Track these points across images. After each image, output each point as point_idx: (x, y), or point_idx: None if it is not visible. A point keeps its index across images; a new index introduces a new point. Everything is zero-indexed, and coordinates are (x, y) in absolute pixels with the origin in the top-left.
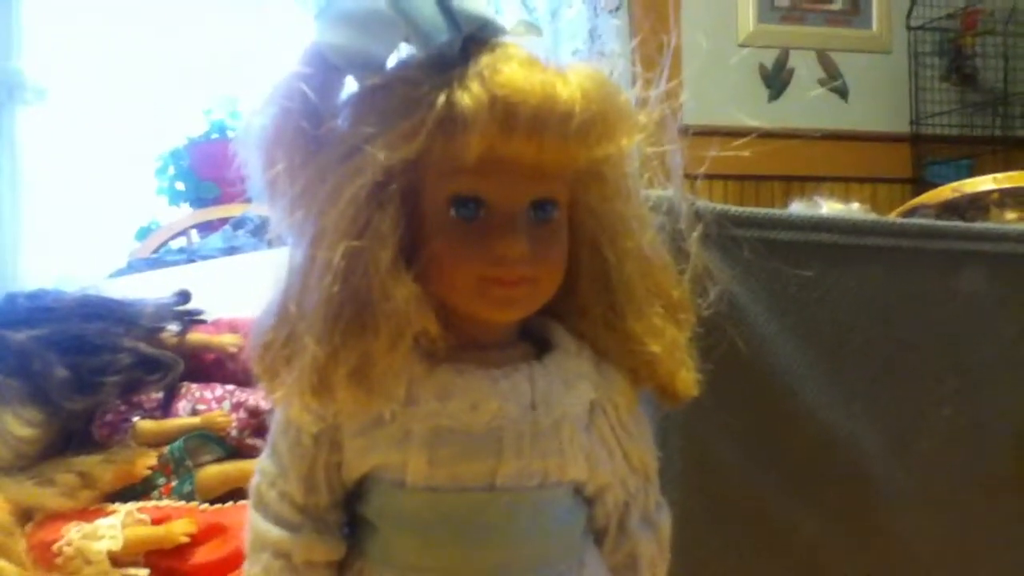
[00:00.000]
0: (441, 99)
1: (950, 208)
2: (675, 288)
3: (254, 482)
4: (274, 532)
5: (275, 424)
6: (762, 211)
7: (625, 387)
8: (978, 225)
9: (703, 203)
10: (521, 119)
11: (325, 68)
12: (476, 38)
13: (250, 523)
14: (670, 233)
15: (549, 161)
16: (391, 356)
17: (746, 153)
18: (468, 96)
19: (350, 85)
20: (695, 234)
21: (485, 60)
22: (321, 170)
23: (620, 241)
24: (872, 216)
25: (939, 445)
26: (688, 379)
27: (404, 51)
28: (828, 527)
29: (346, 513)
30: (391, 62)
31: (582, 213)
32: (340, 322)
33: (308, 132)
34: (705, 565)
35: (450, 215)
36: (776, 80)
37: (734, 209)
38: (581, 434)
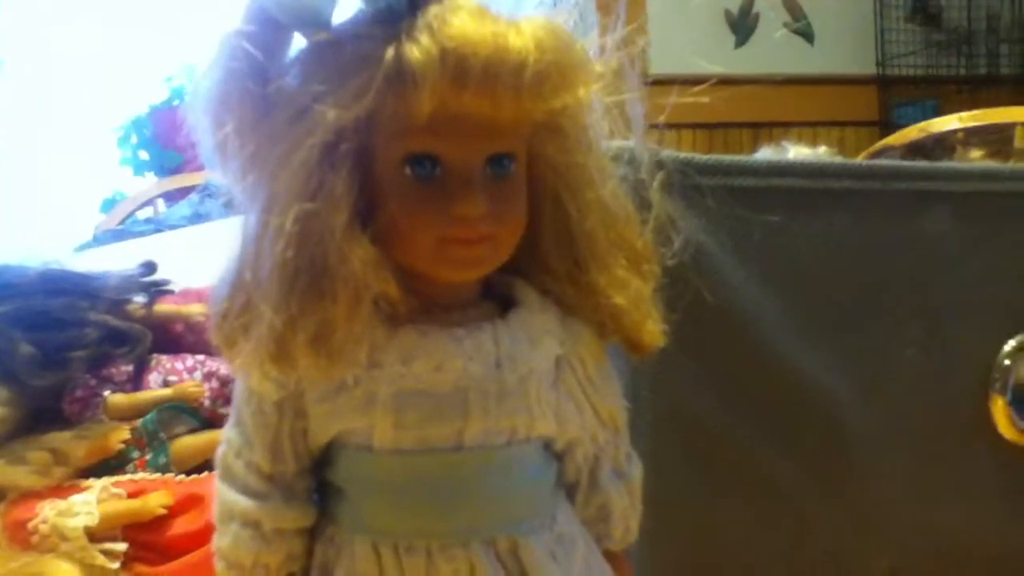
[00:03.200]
0: (390, 54)
1: (916, 149)
2: (638, 239)
3: (220, 452)
4: (242, 502)
5: (238, 393)
6: (725, 158)
7: (591, 341)
8: (943, 164)
9: (665, 152)
10: (472, 72)
11: (270, 25)
12: None
13: (218, 494)
14: (633, 184)
15: (504, 115)
16: (351, 321)
17: (709, 100)
18: (417, 49)
19: (298, 42)
20: (657, 184)
21: (434, 11)
22: (271, 132)
23: (581, 194)
24: (838, 159)
25: (907, 388)
26: (654, 330)
27: (352, 6)
28: (802, 473)
29: (314, 479)
30: (337, 17)
31: (541, 167)
32: (296, 288)
33: (255, 93)
34: (678, 515)
35: (405, 175)
36: (742, 25)
37: (697, 157)
38: (548, 390)
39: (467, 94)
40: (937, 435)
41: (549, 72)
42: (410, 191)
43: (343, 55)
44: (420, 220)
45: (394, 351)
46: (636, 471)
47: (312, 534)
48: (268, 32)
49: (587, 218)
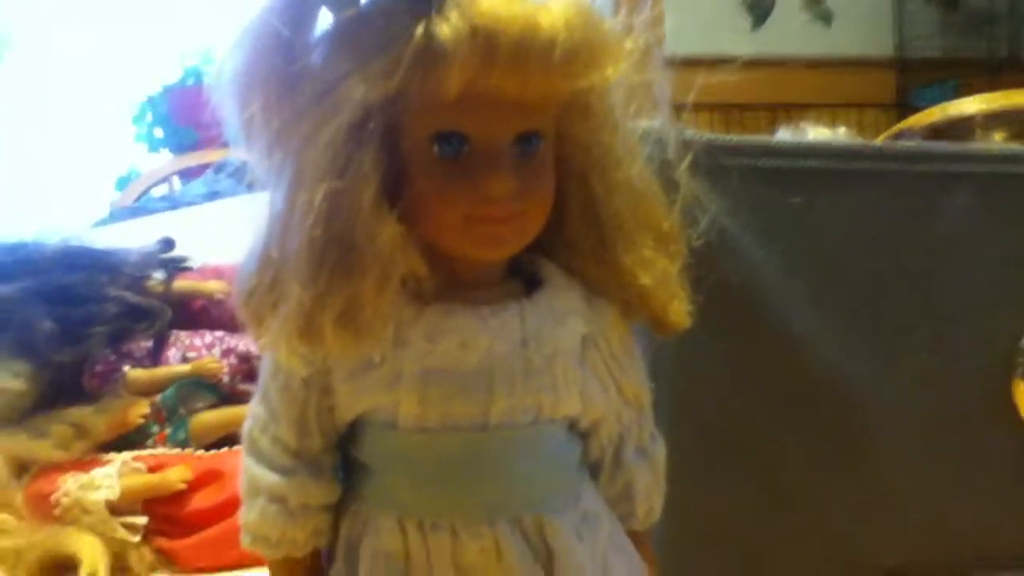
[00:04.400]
0: (419, 31)
1: (936, 131)
2: (665, 219)
3: (246, 427)
4: (269, 477)
5: (264, 369)
6: (749, 139)
7: (617, 320)
8: (965, 146)
9: (691, 133)
10: (502, 50)
11: (297, 2)
12: None
13: (244, 469)
14: (658, 164)
15: (533, 93)
16: (379, 298)
17: (731, 81)
18: (447, 27)
19: (325, 20)
20: (684, 164)
21: None
22: (298, 109)
23: (609, 173)
24: (857, 140)
25: (925, 372)
26: (680, 310)
27: None
28: (815, 457)
29: (340, 456)
30: None
31: (569, 146)
32: (325, 265)
33: (283, 70)
34: (694, 495)
35: (433, 153)
36: (759, 7)
37: (722, 138)
38: (574, 369)
39: (496, 72)
40: (955, 421)
41: (578, 50)
42: (437, 169)
43: (371, 32)
44: (447, 198)
45: (420, 329)
46: (660, 450)
47: (338, 510)
48: (296, 9)
49: (614, 198)
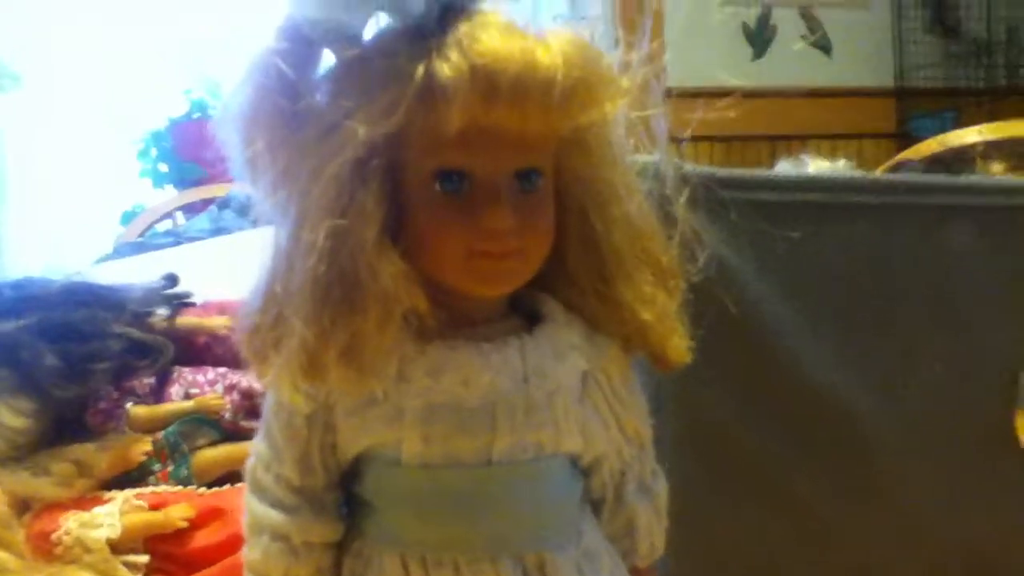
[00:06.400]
0: (420, 70)
1: (936, 162)
2: (664, 254)
3: (249, 465)
4: (272, 515)
5: (267, 407)
6: (748, 172)
7: (617, 356)
8: (965, 179)
9: (689, 167)
10: (502, 88)
11: (301, 42)
12: (453, 6)
13: (247, 506)
14: (657, 198)
15: (532, 130)
16: (381, 335)
17: (731, 114)
18: (447, 66)
19: (328, 59)
20: (682, 199)
21: (463, 28)
22: (301, 148)
23: (608, 208)
24: (858, 173)
25: (929, 399)
26: (680, 346)
27: (381, 22)
28: (824, 485)
29: (343, 493)
30: (368, 34)
31: (568, 181)
32: (328, 303)
33: (286, 109)
34: (701, 528)
35: (434, 189)
36: (759, 38)
37: (720, 171)
38: (575, 405)
39: (497, 110)
40: (961, 447)
41: (577, 88)
42: (439, 205)
43: (373, 71)
44: (449, 234)
45: (423, 365)
46: (661, 487)
47: (340, 547)
48: (300, 49)
49: (613, 233)
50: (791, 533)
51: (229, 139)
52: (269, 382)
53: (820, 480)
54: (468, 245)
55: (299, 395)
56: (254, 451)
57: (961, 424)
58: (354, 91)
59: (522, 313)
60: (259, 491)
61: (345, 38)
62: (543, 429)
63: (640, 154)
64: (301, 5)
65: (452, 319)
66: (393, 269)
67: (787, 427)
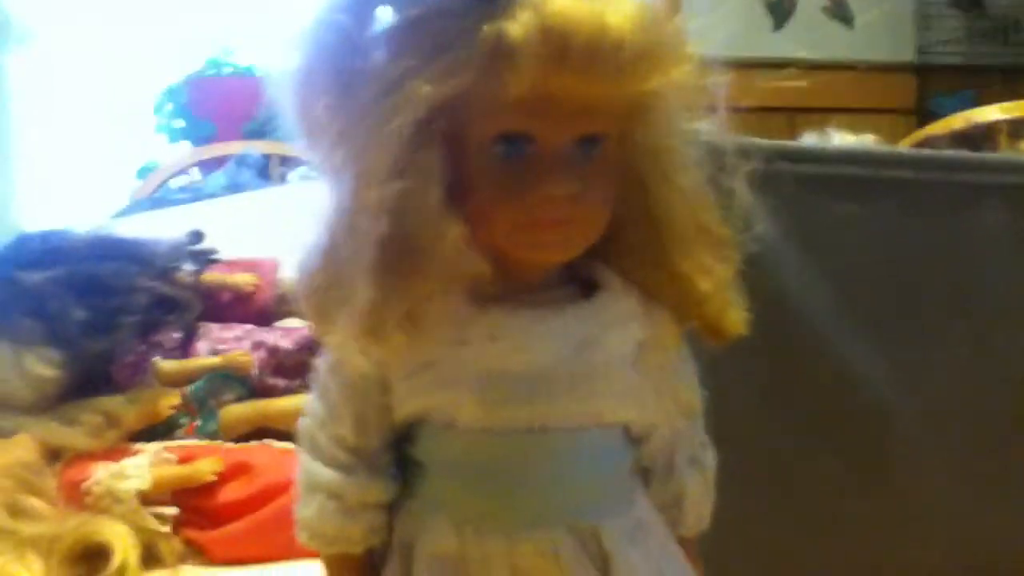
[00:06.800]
0: (488, 30)
1: (961, 139)
2: (721, 225)
3: (303, 424)
4: (327, 474)
5: (324, 365)
6: (795, 144)
7: (672, 327)
8: (998, 156)
9: (747, 139)
10: (573, 50)
11: None
12: None
13: (301, 465)
14: (710, 169)
15: (599, 95)
16: (443, 299)
17: (746, 84)
18: (518, 26)
19: (387, 16)
20: (742, 171)
21: None
22: (361, 108)
23: (669, 178)
24: (892, 148)
25: (951, 388)
26: (736, 318)
27: None
28: (846, 470)
29: (397, 454)
30: None
31: (630, 149)
32: (391, 265)
33: (346, 67)
34: (723, 510)
35: (496, 153)
36: (779, 9)
37: (772, 143)
38: (630, 374)
39: (566, 73)
40: (985, 436)
41: (646, 52)
42: (500, 170)
43: (438, 30)
44: (509, 199)
45: (481, 330)
46: (710, 458)
47: (393, 508)
48: (360, 6)
49: (673, 202)
50: (803, 522)
51: (285, 99)
52: (332, 341)
53: (841, 465)
54: (528, 211)
55: (359, 355)
56: (308, 410)
57: (982, 414)
58: (418, 49)
59: (579, 281)
60: (314, 450)
61: None
62: (599, 397)
63: (695, 123)
64: None
65: (509, 286)
66: (456, 233)
67: (810, 409)
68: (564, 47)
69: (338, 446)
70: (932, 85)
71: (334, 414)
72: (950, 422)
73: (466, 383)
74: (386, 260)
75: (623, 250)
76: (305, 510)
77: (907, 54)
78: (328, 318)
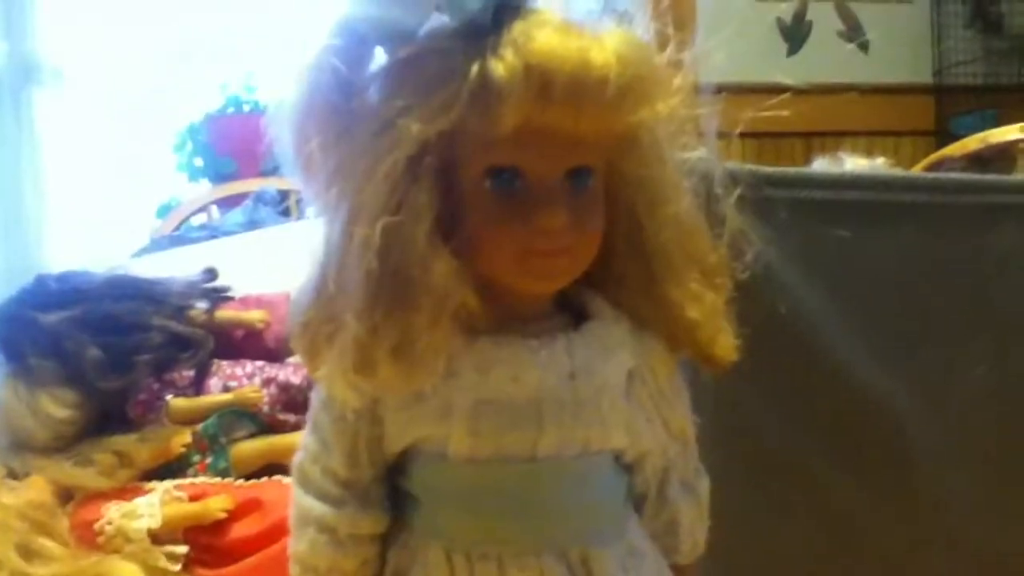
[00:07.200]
0: (475, 69)
1: (977, 160)
2: (711, 253)
3: (297, 459)
4: (318, 508)
5: (316, 400)
6: (794, 170)
7: (663, 354)
8: (1011, 178)
9: (736, 165)
10: (557, 87)
11: (355, 40)
12: (508, 4)
13: (294, 500)
14: (703, 197)
15: (586, 129)
16: (432, 331)
17: (761, 110)
18: (503, 65)
19: (380, 57)
20: (732, 197)
21: (518, 27)
22: (355, 145)
23: (657, 207)
24: (902, 172)
25: (974, 405)
26: (727, 344)
27: (435, 20)
28: (864, 488)
29: (388, 486)
30: (422, 32)
31: (618, 180)
32: (380, 299)
33: (340, 106)
34: (741, 529)
35: (486, 187)
36: (795, 33)
37: (766, 169)
38: (621, 402)
39: (551, 109)
40: (1006, 454)
41: (631, 86)
42: (492, 203)
43: (427, 69)
44: (501, 232)
45: (471, 361)
46: (704, 485)
47: (386, 540)
48: (354, 47)
49: (662, 231)
50: (827, 538)
51: (281, 136)
52: (321, 377)
53: (859, 485)
54: (520, 243)
55: (349, 390)
56: (302, 445)
57: (1006, 432)
58: (408, 89)
59: (569, 310)
60: (306, 484)
61: (400, 36)
62: (590, 426)
63: (686, 152)
64: (358, 3)
65: (501, 316)
66: (444, 266)
67: (827, 431)
68: (548, 84)
69: (329, 480)
70: (951, 106)
71: (326, 448)
72: (971, 439)
73: (457, 414)
74: (376, 294)
75: (613, 278)
76: (298, 544)
77: (924, 75)
78: (319, 354)
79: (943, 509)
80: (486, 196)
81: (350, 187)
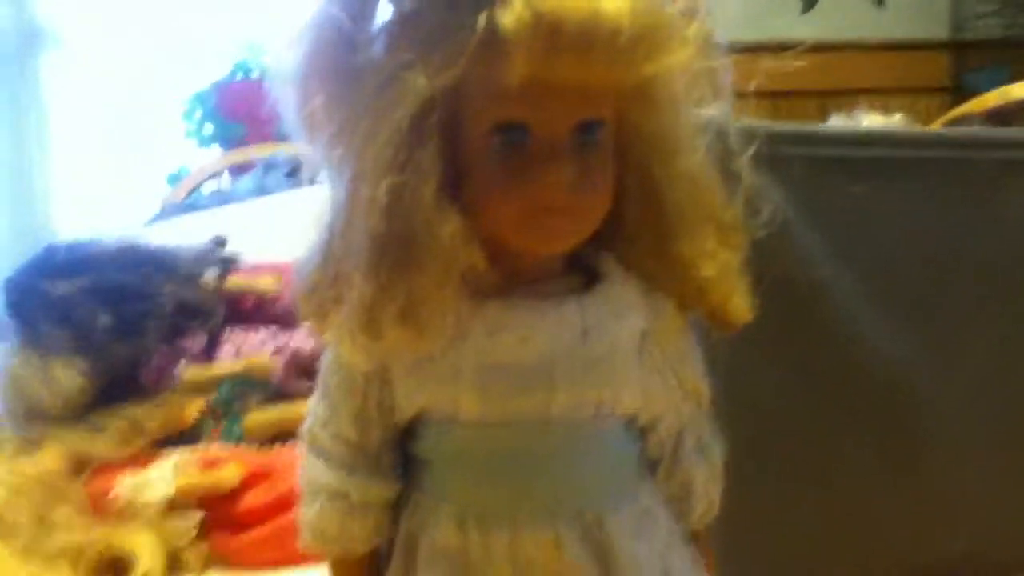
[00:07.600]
0: (481, 21)
1: (996, 116)
2: (726, 210)
3: (306, 424)
4: (329, 474)
5: (325, 365)
6: (809, 127)
7: (675, 315)
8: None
9: (752, 122)
10: (566, 38)
11: None
12: None
13: (304, 466)
14: (717, 154)
15: (595, 81)
16: (439, 293)
17: (774, 67)
18: (510, 15)
19: (384, 11)
20: (747, 154)
21: None
22: (359, 103)
23: (670, 163)
24: (919, 128)
25: (985, 368)
26: (742, 304)
27: None
28: (874, 455)
29: (399, 452)
30: None
31: (629, 135)
32: (387, 260)
33: (344, 63)
34: (748, 497)
35: (493, 144)
36: None
37: (781, 126)
38: (633, 364)
39: (560, 61)
40: (1015, 418)
41: (643, 37)
42: (498, 160)
43: (433, 22)
44: (508, 190)
45: (480, 323)
46: (717, 447)
47: (397, 505)
48: (357, 1)
49: (675, 188)
50: (836, 505)
51: (284, 96)
52: (329, 340)
53: (867, 449)
54: (527, 201)
55: (358, 353)
56: (311, 410)
57: (1014, 399)
58: (413, 43)
59: (580, 271)
60: (316, 449)
61: None
62: (602, 387)
63: (702, 108)
64: None
65: (510, 277)
66: (451, 226)
67: (836, 394)
68: (556, 34)
69: (340, 444)
70: (967, 61)
71: (335, 413)
72: (983, 404)
73: (467, 378)
74: (382, 255)
75: (625, 238)
76: (308, 510)
77: (940, 31)
78: (326, 316)
79: (952, 473)
80: (492, 153)
81: (355, 147)
